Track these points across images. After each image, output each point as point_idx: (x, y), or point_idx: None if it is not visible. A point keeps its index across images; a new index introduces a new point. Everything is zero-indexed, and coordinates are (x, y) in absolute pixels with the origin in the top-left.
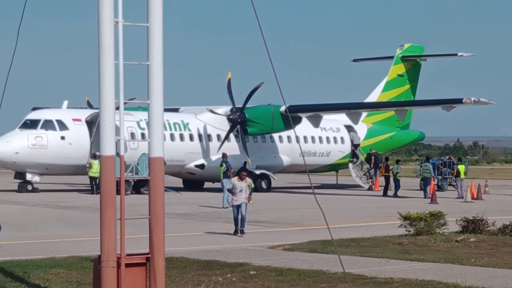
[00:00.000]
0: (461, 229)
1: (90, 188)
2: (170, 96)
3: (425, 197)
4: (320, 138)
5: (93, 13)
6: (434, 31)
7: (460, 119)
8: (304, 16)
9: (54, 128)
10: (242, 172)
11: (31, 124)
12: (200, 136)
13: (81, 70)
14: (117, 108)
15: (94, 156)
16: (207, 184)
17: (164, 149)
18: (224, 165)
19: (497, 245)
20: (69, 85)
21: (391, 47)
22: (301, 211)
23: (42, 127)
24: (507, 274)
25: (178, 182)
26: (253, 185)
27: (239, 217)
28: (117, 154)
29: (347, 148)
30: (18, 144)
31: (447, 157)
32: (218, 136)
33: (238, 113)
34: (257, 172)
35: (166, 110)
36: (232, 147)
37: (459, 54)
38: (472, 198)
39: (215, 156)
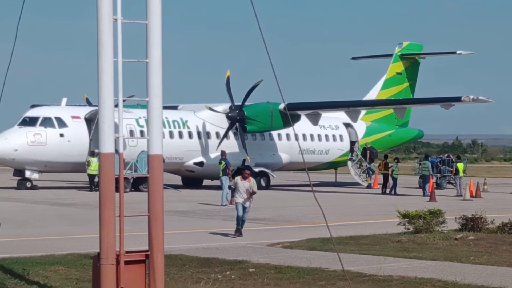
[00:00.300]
0: (460, 227)
1: (88, 185)
2: (169, 94)
3: (424, 195)
4: (319, 136)
5: (92, 11)
6: (433, 29)
7: (458, 117)
8: (303, 14)
9: (53, 126)
10: (245, 170)
11: (30, 122)
12: (199, 133)
13: (80, 68)
14: (116, 106)
15: (92, 154)
16: (206, 182)
17: (163, 147)
18: (223, 163)
19: (496, 243)
20: (68, 83)
21: (390, 45)
22: (300, 209)
23: (41, 125)
24: (506, 272)
25: (177, 179)
26: (256, 191)
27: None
28: (116, 151)
29: (346, 146)
30: (17, 141)
31: (446, 155)
32: (217, 134)
33: (237, 111)
34: (256, 169)
35: (165, 107)
36: (231, 145)
37: (457, 52)
38: (471, 196)
39: (214, 154)
